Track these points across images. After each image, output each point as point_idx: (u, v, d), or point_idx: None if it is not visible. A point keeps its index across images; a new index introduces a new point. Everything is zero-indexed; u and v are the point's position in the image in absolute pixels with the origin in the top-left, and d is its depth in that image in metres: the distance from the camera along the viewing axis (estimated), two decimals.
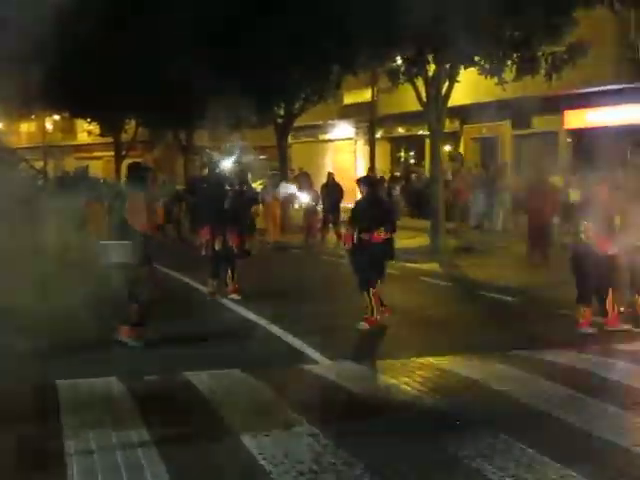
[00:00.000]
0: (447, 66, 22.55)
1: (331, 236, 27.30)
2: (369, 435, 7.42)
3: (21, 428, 7.66)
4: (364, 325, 12.62)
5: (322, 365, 10.26)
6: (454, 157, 32.85)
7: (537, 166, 22.39)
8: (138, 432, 7.51)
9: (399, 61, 24.92)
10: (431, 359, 10.37)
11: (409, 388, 8.87)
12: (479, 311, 14.32)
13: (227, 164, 15.27)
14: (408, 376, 9.37)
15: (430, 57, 22.73)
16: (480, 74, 22.92)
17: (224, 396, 8.62)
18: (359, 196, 13.53)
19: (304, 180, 29.46)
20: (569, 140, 33.31)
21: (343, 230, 13.76)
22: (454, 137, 36.70)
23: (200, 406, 8.34)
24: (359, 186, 13.37)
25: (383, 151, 42.55)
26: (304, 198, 24.48)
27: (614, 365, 10.10)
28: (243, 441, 7.22)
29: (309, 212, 27.77)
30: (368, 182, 13.69)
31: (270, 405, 8.29)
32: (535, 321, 13.06)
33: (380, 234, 12.72)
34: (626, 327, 12.17)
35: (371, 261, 12.78)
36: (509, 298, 15.23)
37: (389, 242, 13.02)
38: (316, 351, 10.89)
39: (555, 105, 31.69)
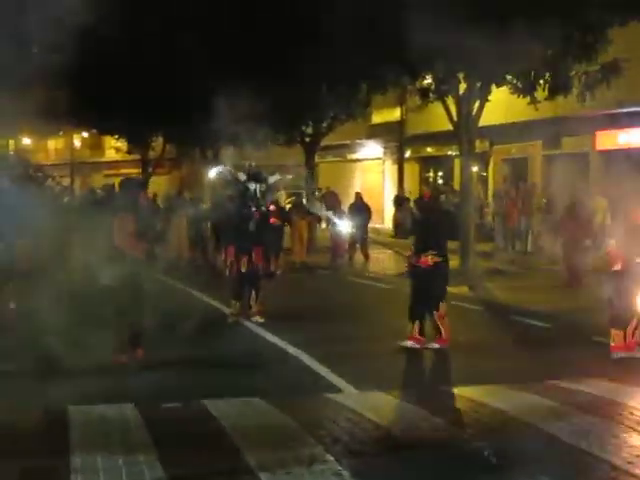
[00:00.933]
0: (478, 85, 22.16)
1: (358, 257, 26.94)
2: (397, 474, 6.98)
3: (27, 457, 7.26)
4: (412, 344, 12.53)
5: (347, 394, 9.81)
6: (505, 179, 32.16)
7: (571, 188, 21.95)
8: (150, 466, 7.08)
9: (429, 79, 24.60)
10: (462, 389, 9.89)
11: (439, 421, 8.34)
12: (511, 338, 13.82)
13: (252, 185, 14.93)
14: (438, 408, 8.82)
15: (461, 75, 22.34)
16: (512, 93, 22.54)
17: (243, 427, 8.15)
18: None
19: (331, 199, 29.13)
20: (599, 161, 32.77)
21: (409, 253, 13.31)
22: (483, 157, 36.21)
23: (217, 438, 7.87)
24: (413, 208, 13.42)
25: (411, 171, 42.09)
26: (343, 225, 23.42)
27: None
28: None
29: (336, 232, 27.38)
30: (424, 204, 13.46)
31: (291, 438, 7.78)
32: (568, 348, 12.55)
33: (428, 258, 12.57)
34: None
35: (430, 284, 12.65)
36: (541, 324, 14.76)
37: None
38: (341, 378, 10.44)
39: (586, 125, 31.21)
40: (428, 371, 11.33)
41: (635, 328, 11.82)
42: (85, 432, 8.07)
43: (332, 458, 7.15)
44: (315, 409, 8.98)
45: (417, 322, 12.73)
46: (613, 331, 11.84)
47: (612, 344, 11.80)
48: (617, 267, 11.78)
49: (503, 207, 29.79)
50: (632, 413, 8.71)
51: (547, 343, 13.14)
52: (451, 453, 7.49)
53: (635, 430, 7.93)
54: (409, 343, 12.67)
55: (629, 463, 7.04)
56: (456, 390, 9.87)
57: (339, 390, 9.99)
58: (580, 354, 12.05)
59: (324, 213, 25.05)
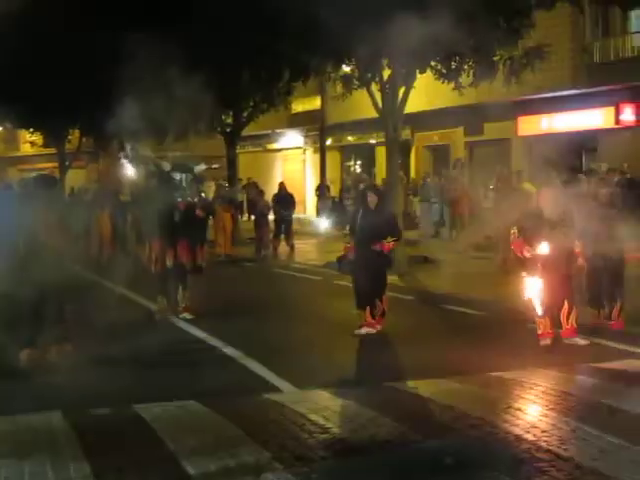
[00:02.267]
0: (403, 71, 21.81)
1: (283, 248, 26.53)
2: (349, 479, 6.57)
3: None
4: (368, 330, 12.70)
5: (287, 393, 9.35)
6: (455, 164, 31.78)
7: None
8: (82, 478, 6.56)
9: (347, 68, 24.24)
10: (406, 384, 9.52)
11: (387, 420, 7.90)
12: (448, 328, 13.50)
13: (177, 174, 14.35)
14: (384, 406, 8.38)
15: (385, 62, 21.98)
16: (437, 79, 22.26)
17: (179, 434, 7.63)
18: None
19: (253, 190, 28.71)
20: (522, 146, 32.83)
21: (346, 243, 13.46)
22: (404, 145, 36.07)
23: (152, 447, 7.34)
24: (367, 195, 13.25)
25: (333, 160, 41.79)
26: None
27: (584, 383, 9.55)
28: None
29: (260, 223, 26.94)
30: (379, 192, 13.69)
31: (233, 444, 7.26)
32: (506, 336, 12.27)
33: (390, 243, 12.90)
34: (582, 342, 11.63)
35: (378, 270, 12.88)
36: (476, 312, 14.50)
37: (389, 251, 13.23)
38: (279, 377, 9.98)
39: (508, 111, 31.21)
40: (367, 365, 10.90)
41: (568, 314, 11.64)
42: (10, 442, 7.51)
43: (281, 466, 6.69)
44: (256, 411, 8.45)
45: (367, 308, 12.83)
46: (537, 319, 11.76)
47: (538, 332, 11.73)
48: (527, 254, 11.71)
49: (450, 193, 29.18)
50: (583, 404, 8.45)
51: (484, 332, 12.84)
52: (403, 455, 7.09)
53: (592, 424, 7.61)
54: (364, 330, 12.77)
55: (593, 460, 6.72)
56: (401, 385, 9.47)
57: (278, 389, 9.54)
58: (517, 342, 11.81)
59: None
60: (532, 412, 8.29)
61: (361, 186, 38.70)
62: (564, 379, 9.76)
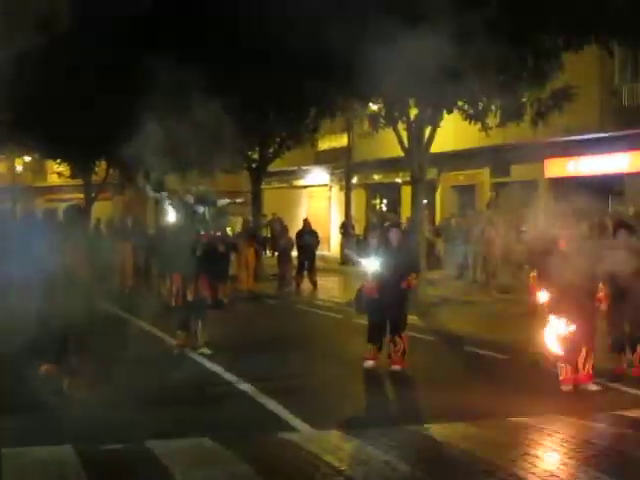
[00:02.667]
0: (429, 110, 21.80)
1: (306, 285, 26.44)
2: None
3: None
4: (397, 367, 12.80)
5: (303, 433, 9.20)
6: (490, 204, 31.51)
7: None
8: None
9: (377, 105, 24.26)
10: (424, 428, 9.35)
11: (401, 463, 7.73)
12: (467, 370, 13.34)
13: (201, 208, 14.31)
14: (402, 450, 8.22)
15: (411, 101, 21.98)
16: (464, 119, 22.21)
17: (191, 472, 7.51)
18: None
19: (278, 226, 28.70)
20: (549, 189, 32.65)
21: (368, 283, 13.18)
22: (430, 185, 36.00)
23: None
24: (389, 233, 13.34)
25: (358, 198, 41.75)
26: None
27: (616, 435, 9.22)
28: None
29: (283, 259, 26.90)
30: (401, 229, 14.04)
31: None
32: (527, 381, 12.09)
33: (414, 280, 13.13)
34: (594, 388, 11.47)
35: (400, 308, 13.01)
36: (498, 355, 14.32)
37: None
38: (296, 417, 9.84)
39: (535, 153, 31.11)
40: (384, 406, 10.75)
41: (585, 360, 11.46)
42: (19, 476, 7.42)
43: None
44: (270, 451, 8.32)
45: (377, 343, 13.04)
46: (559, 364, 11.59)
47: (560, 377, 11.56)
48: (543, 298, 11.75)
49: (485, 233, 28.58)
50: (603, 453, 8.25)
51: (504, 375, 12.66)
52: None
53: (612, 475, 7.43)
54: (371, 363, 12.99)
55: None
56: (419, 429, 9.31)
57: (294, 429, 9.40)
58: (537, 387, 11.62)
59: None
60: (551, 460, 8.10)
61: (386, 224, 38.78)
62: (584, 427, 9.58)
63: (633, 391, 11.45)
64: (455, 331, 17.18)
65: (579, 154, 30.12)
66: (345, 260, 33.68)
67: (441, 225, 34.20)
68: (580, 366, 11.51)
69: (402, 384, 12.38)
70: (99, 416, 9.58)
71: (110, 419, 9.50)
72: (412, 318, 18.11)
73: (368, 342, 13.15)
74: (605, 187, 29.71)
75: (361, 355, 13.50)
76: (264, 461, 7.87)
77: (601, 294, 11.57)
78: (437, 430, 9.23)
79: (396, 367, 12.90)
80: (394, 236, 13.25)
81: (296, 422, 9.68)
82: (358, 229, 39.52)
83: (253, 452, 8.19)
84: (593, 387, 11.46)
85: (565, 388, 11.46)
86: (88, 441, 8.49)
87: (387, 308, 12.91)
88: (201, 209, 14.39)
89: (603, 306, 11.68)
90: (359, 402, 11.08)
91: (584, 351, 11.45)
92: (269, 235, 35.78)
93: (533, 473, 7.53)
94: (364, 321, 13.82)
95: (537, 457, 8.11)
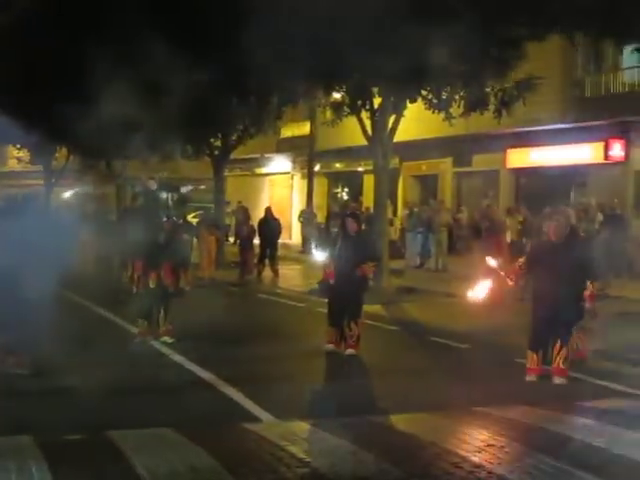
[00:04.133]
0: (392, 99, 21.75)
1: (267, 273, 26.35)
2: None
3: None
4: (352, 351, 13.10)
5: (266, 423, 9.12)
6: (487, 193, 31.35)
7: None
8: None
9: (338, 95, 24.19)
10: (388, 418, 9.29)
11: (368, 456, 7.66)
12: (432, 360, 13.30)
13: (163, 195, 14.14)
14: (365, 440, 8.13)
15: (375, 90, 21.92)
16: (427, 109, 22.19)
17: (154, 464, 7.36)
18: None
19: (241, 214, 28.57)
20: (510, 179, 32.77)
21: (326, 268, 13.78)
22: (393, 174, 36.00)
23: (122, 476, 7.09)
24: (346, 222, 13.68)
25: (320, 186, 41.65)
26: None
27: (572, 422, 9.22)
28: None
29: (245, 247, 26.76)
30: (358, 218, 14.22)
31: (207, 477, 7.05)
32: (491, 371, 12.09)
33: (370, 268, 13.43)
34: (557, 381, 11.43)
35: (355, 294, 13.28)
36: (461, 345, 14.31)
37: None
38: (258, 406, 9.76)
39: (497, 143, 31.23)
40: (348, 396, 10.63)
41: (558, 353, 11.40)
42: None
43: None
44: (233, 442, 8.21)
45: (337, 328, 13.37)
46: (528, 352, 11.65)
47: (527, 365, 11.63)
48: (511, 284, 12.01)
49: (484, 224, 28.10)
50: (567, 443, 8.23)
51: (469, 365, 12.65)
52: None
53: (580, 466, 7.39)
54: (331, 347, 13.35)
55: None
56: (382, 419, 9.25)
57: (257, 419, 9.32)
58: (503, 377, 11.65)
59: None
60: (516, 450, 8.04)
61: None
62: (548, 417, 9.53)
63: (597, 381, 11.47)
64: (419, 321, 17.16)
65: (541, 145, 30.22)
66: (304, 249, 33.66)
67: (403, 214, 34.18)
68: (554, 359, 11.45)
69: (366, 374, 12.35)
70: (59, 406, 9.45)
71: (70, 409, 9.38)
72: (375, 308, 18.23)
73: (328, 326, 13.50)
74: (567, 178, 29.89)
75: (322, 344, 13.48)
76: (227, 451, 7.75)
77: (587, 292, 11.41)
78: (402, 420, 9.19)
79: (350, 351, 13.17)
80: (350, 225, 13.57)
81: (259, 412, 9.60)
82: (320, 217, 39.48)
83: (215, 442, 8.07)
84: (557, 380, 11.42)
85: (529, 378, 11.47)
86: (48, 431, 8.35)
87: (343, 294, 13.21)
88: (164, 195, 14.20)
89: (588, 305, 11.50)
90: (323, 392, 11.03)
91: (558, 344, 11.41)
92: (233, 223, 35.63)
93: (499, 464, 7.49)
94: (326, 310, 13.83)
95: (502, 447, 8.06)
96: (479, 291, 11.91)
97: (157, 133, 22.64)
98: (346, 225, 13.66)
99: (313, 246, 31.64)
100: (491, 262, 12.10)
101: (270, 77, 23.12)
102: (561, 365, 11.41)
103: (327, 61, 19.29)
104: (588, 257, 11.72)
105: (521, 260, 11.92)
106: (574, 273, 11.25)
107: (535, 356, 11.57)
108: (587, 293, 11.34)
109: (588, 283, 11.34)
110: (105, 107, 20.86)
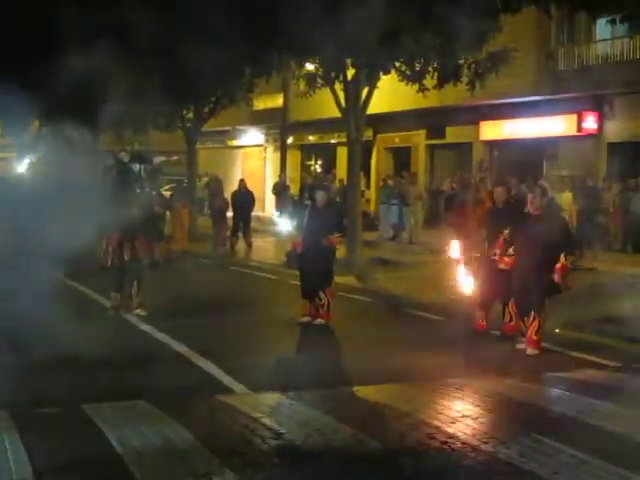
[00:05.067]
0: (366, 71, 21.65)
1: (241, 245, 26.32)
2: None
3: None
4: (321, 321, 13.36)
5: (240, 395, 9.10)
6: (480, 165, 31.21)
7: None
8: None
9: (311, 67, 24.06)
10: (364, 389, 9.30)
11: (344, 427, 7.66)
12: (405, 331, 13.30)
13: (136, 166, 14.04)
14: (341, 411, 8.16)
15: (349, 61, 21.80)
16: (401, 80, 22.13)
17: (127, 436, 7.34)
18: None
19: (216, 186, 28.48)
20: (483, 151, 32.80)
21: (294, 238, 14.11)
22: (366, 146, 35.95)
23: (99, 448, 7.07)
24: (315, 193, 14.01)
25: (293, 159, 41.58)
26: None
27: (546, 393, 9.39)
28: None
29: (218, 220, 26.66)
30: (326, 190, 14.62)
31: (183, 449, 7.01)
32: (465, 342, 12.13)
33: (337, 238, 13.70)
34: (530, 352, 11.50)
35: (324, 264, 13.47)
36: (435, 316, 14.34)
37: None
38: (232, 378, 9.74)
39: (470, 115, 31.24)
40: (323, 368, 10.62)
41: (531, 324, 11.43)
42: None
43: (231, 472, 6.43)
44: (207, 414, 8.18)
45: (310, 299, 13.55)
46: (477, 311, 12.78)
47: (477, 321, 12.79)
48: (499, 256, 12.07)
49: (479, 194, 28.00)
50: (540, 414, 8.27)
51: (443, 337, 12.67)
52: (359, 463, 6.86)
53: (553, 436, 7.42)
54: (306, 319, 13.50)
55: (554, 474, 6.53)
56: (357, 390, 9.27)
57: (231, 390, 9.30)
58: (477, 348, 11.70)
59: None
60: (489, 421, 8.09)
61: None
62: (521, 388, 9.59)
63: (569, 353, 11.54)
64: (393, 293, 17.16)
65: (514, 117, 30.27)
66: (274, 222, 33.60)
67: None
68: (527, 329, 11.52)
69: (340, 346, 12.37)
70: (33, 379, 9.37)
71: (44, 382, 9.31)
72: (349, 279, 18.25)
73: (302, 299, 13.68)
74: (539, 150, 29.98)
75: (297, 316, 13.49)
76: (201, 424, 7.74)
77: (558, 265, 11.39)
78: (376, 391, 9.20)
79: (320, 321, 13.42)
80: (319, 197, 13.80)
81: (233, 384, 9.58)
82: (293, 189, 39.37)
83: (189, 414, 8.07)
84: (530, 351, 11.46)
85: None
86: (23, 405, 8.29)
87: (312, 264, 13.43)
88: (136, 167, 14.10)
89: (557, 277, 11.47)
90: (296, 363, 11.01)
91: (531, 316, 11.44)
92: (207, 195, 35.46)
93: (473, 434, 7.52)
94: (299, 282, 13.86)
95: (476, 418, 8.10)
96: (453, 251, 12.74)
97: (128, 103, 22.43)
98: (315, 197, 13.91)
99: (276, 215, 31.67)
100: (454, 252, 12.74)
101: (243, 48, 22.99)
102: (533, 336, 11.45)
103: (299, 29, 19.18)
104: (565, 230, 11.79)
105: (506, 232, 11.91)
106: (548, 245, 11.26)
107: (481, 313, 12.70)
108: (558, 266, 11.34)
109: (561, 256, 11.33)
110: (75, 69, 20.65)
